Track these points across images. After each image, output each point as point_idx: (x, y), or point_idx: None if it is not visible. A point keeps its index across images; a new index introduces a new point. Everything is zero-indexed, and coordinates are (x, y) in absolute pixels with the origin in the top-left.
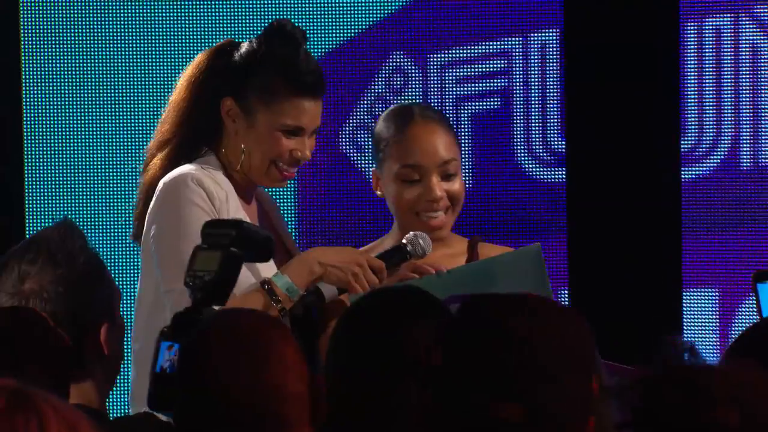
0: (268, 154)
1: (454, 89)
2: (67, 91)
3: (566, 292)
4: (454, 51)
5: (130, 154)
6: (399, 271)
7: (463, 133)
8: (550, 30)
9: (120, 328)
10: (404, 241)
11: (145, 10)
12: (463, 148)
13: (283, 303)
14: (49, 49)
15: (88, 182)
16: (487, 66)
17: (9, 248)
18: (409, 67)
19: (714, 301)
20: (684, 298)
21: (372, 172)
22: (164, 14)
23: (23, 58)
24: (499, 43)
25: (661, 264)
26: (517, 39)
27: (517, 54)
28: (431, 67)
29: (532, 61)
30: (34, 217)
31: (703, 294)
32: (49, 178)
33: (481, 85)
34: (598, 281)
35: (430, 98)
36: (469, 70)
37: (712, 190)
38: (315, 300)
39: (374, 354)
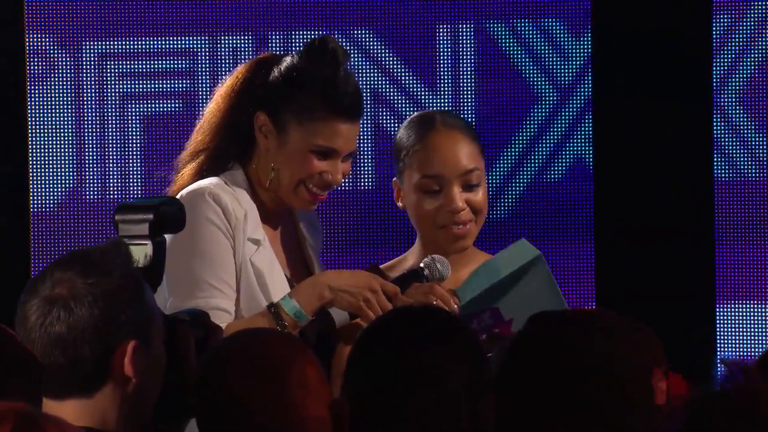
0: (297, 174)
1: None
2: (72, 90)
3: (594, 305)
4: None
5: (137, 155)
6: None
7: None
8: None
9: (156, 358)
10: (421, 265)
11: (150, 10)
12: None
13: (289, 328)
14: (54, 48)
15: (94, 183)
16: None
17: (12, 249)
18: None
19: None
20: (717, 311)
21: (393, 182)
22: (170, 12)
23: (28, 56)
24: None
25: (692, 276)
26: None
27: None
28: None
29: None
30: (39, 218)
31: (736, 307)
32: (55, 178)
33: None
34: (625, 291)
35: None
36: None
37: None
38: (324, 326)
39: (391, 374)
